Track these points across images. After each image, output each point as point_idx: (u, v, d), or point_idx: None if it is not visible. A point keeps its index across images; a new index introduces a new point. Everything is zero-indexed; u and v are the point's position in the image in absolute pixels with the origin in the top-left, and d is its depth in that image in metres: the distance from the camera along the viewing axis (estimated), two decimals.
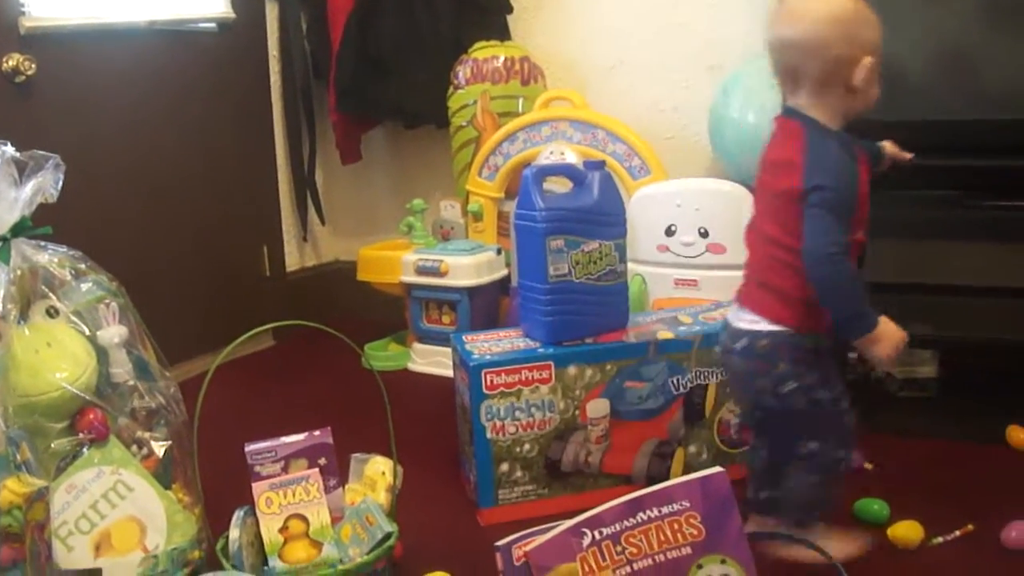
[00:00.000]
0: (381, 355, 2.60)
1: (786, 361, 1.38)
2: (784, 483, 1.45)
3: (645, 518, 1.10)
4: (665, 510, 1.11)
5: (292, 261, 3.03)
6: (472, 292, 2.41)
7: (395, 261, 2.51)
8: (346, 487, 1.53)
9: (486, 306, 2.46)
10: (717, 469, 1.15)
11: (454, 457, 1.84)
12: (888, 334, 1.30)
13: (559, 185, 1.82)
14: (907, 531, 1.51)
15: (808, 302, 1.35)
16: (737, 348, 1.42)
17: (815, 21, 1.34)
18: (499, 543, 1.24)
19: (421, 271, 2.44)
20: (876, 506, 1.58)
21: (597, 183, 1.68)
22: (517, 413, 1.63)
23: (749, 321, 1.41)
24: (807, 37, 1.35)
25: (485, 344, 1.69)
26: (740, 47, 2.50)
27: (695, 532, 1.11)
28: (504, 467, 1.64)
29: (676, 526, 1.10)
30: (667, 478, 1.68)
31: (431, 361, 2.45)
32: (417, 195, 2.71)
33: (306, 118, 2.95)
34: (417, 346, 2.53)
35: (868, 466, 1.70)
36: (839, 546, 1.44)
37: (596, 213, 1.67)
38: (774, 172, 1.40)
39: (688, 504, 1.11)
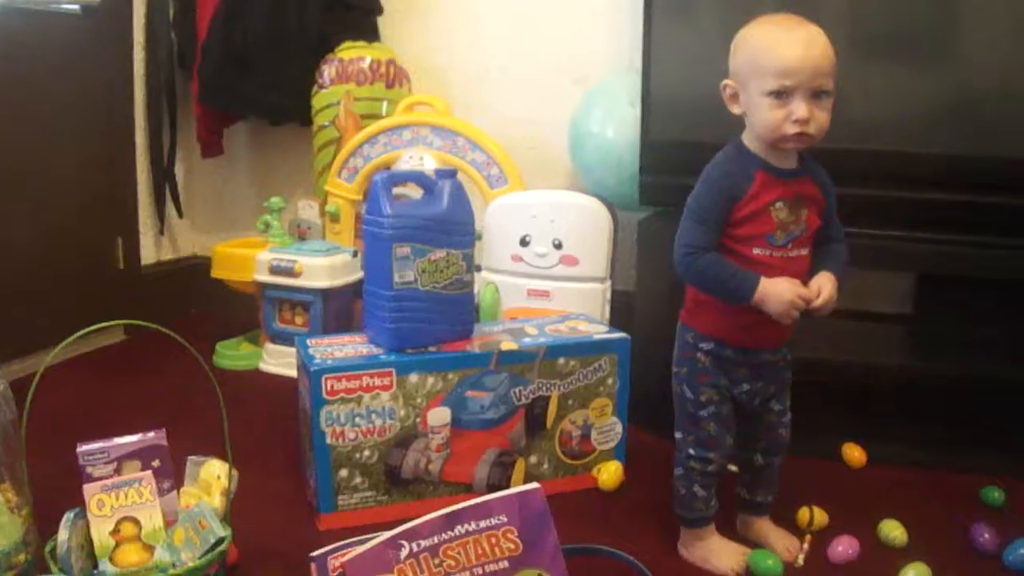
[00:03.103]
0: (233, 354, 2.56)
1: (677, 349, 1.52)
2: None
3: (463, 531, 1.11)
4: (483, 524, 1.12)
5: (148, 255, 2.95)
6: (326, 294, 2.39)
7: (249, 259, 2.47)
8: (181, 490, 1.51)
9: (340, 308, 2.44)
10: (534, 485, 1.17)
11: (298, 460, 1.83)
12: (771, 295, 1.37)
13: (412, 191, 1.82)
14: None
15: (695, 301, 1.50)
16: None
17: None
18: (314, 554, 1.24)
19: (275, 270, 2.42)
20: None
21: (447, 192, 1.69)
22: (357, 419, 1.62)
23: None
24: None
25: (328, 349, 1.68)
26: (604, 62, 2.55)
27: (512, 546, 1.13)
28: (343, 473, 1.64)
29: (494, 540, 1.12)
30: (508, 488, 1.71)
31: (282, 362, 2.42)
32: (277, 193, 2.68)
33: (168, 109, 2.88)
34: (269, 346, 2.50)
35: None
36: (721, 560, 1.51)
37: (445, 222, 1.67)
38: None
39: (505, 519, 1.13)
